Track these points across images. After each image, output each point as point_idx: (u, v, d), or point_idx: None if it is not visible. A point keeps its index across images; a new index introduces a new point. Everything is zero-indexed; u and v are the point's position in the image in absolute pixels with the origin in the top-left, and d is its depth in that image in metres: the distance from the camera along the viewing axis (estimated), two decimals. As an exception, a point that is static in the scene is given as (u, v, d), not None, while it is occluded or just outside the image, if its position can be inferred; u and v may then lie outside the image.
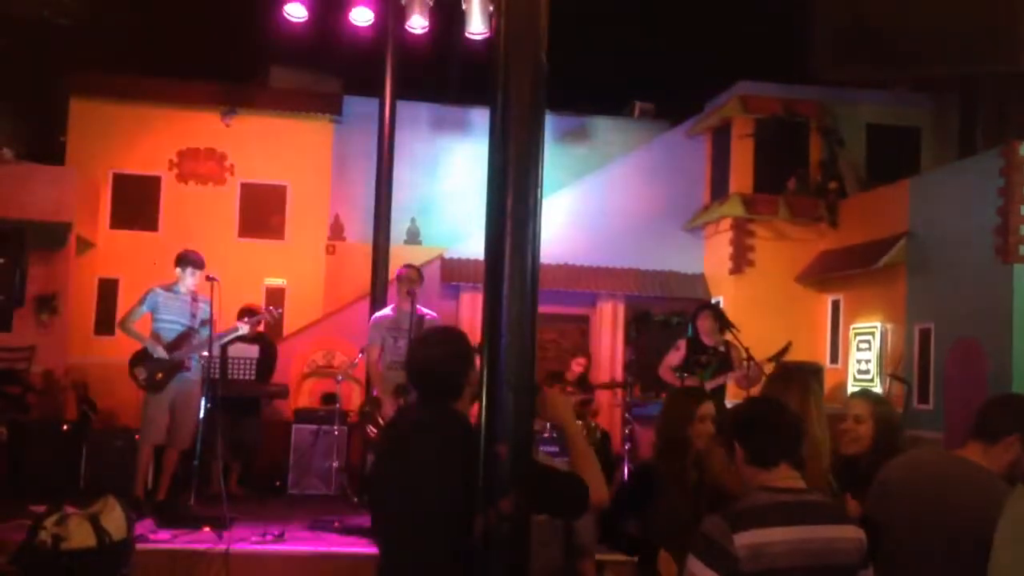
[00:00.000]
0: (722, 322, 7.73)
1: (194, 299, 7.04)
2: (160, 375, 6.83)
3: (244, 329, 7.25)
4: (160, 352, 6.83)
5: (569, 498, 2.82)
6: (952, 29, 11.78)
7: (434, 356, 2.95)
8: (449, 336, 3.07)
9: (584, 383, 9.65)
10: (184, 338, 6.94)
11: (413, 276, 7.08)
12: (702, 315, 7.68)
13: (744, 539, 2.47)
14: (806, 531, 2.55)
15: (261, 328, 8.24)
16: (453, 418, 2.90)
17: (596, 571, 3.79)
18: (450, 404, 2.92)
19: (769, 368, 7.40)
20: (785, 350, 7.53)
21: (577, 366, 9.77)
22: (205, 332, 6.97)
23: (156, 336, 6.90)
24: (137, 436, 7.18)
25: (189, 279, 7.03)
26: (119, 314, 7.77)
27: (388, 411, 6.72)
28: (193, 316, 7.00)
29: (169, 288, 7.04)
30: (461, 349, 2.97)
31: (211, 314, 7.03)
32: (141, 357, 6.90)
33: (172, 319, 6.96)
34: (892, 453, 3.28)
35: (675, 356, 7.59)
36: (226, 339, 7.30)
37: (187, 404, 6.89)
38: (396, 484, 2.89)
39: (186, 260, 7.07)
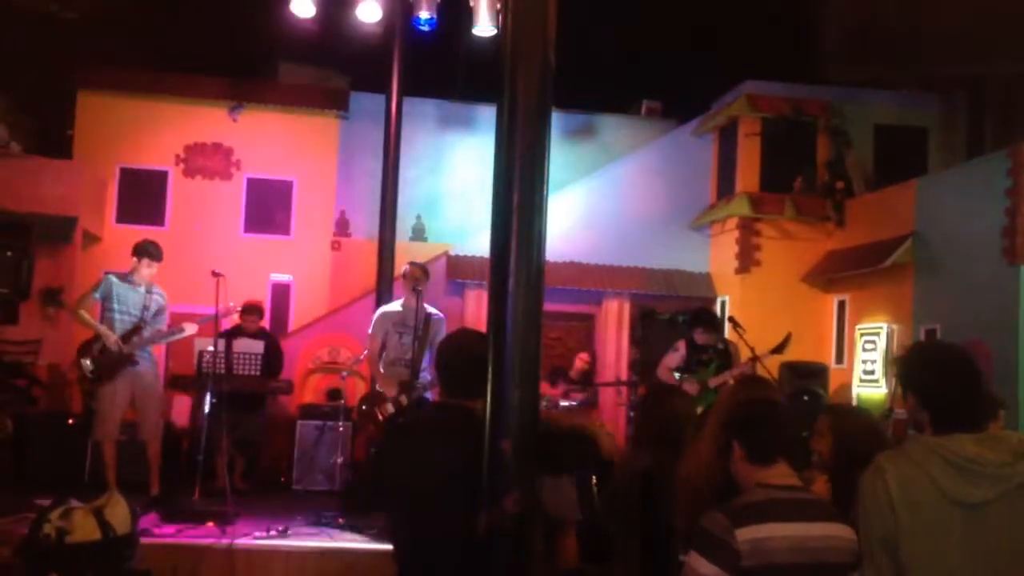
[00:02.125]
0: (720, 328, 7.68)
1: (148, 291, 6.95)
2: (108, 367, 6.76)
3: (192, 329, 7.00)
4: (112, 343, 6.75)
5: (573, 456, 2.88)
6: (960, 29, 11.75)
7: (473, 355, 3.01)
8: (478, 337, 3.17)
9: (587, 379, 9.64)
10: (135, 330, 6.84)
11: (417, 274, 7.01)
12: (696, 331, 7.42)
13: (745, 534, 2.49)
14: (804, 528, 2.57)
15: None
16: (472, 416, 2.91)
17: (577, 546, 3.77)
18: (474, 402, 2.97)
19: (769, 360, 7.40)
20: (785, 342, 7.47)
21: (580, 362, 9.76)
22: (158, 324, 6.91)
23: (109, 326, 6.80)
24: (139, 433, 7.12)
25: (145, 270, 6.90)
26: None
27: (387, 408, 6.69)
28: (146, 308, 6.89)
29: (125, 278, 6.93)
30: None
31: (165, 306, 6.99)
32: (89, 347, 6.83)
33: (125, 310, 6.85)
34: (854, 468, 2.97)
35: (674, 358, 7.44)
36: (171, 338, 7.08)
37: (147, 394, 6.87)
38: (419, 477, 2.89)
39: (142, 251, 6.92)
